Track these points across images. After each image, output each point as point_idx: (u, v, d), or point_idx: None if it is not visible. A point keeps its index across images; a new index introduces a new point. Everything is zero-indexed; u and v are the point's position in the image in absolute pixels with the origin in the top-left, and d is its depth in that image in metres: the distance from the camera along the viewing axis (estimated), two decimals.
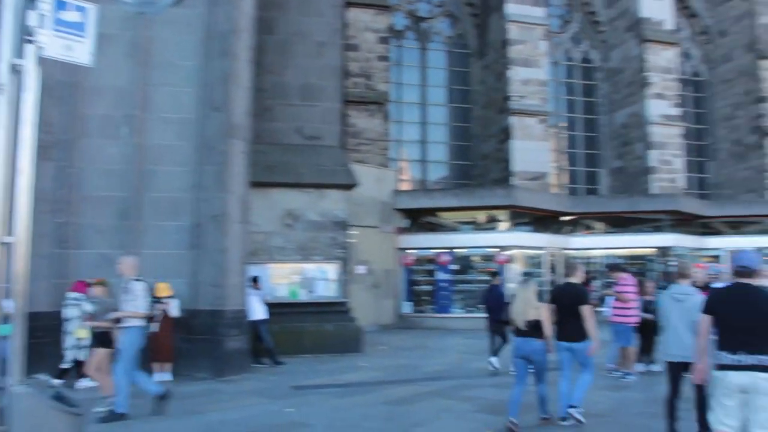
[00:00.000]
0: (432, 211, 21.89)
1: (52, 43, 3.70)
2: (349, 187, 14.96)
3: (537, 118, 25.59)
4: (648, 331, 11.18)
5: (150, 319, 8.20)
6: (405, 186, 26.64)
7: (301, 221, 14.37)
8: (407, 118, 28.52)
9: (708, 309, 5.06)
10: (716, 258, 23.75)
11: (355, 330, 14.38)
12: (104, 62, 10.54)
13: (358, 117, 23.87)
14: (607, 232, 24.42)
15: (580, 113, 30.77)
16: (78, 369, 9.75)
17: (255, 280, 12.90)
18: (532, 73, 25.70)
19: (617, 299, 11.15)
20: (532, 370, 7.42)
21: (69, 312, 9.81)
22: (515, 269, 20.09)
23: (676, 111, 28.33)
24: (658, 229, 23.51)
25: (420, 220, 21.81)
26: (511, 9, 25.73)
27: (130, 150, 11.24)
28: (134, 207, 11.20)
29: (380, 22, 25.04)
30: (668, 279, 20.51)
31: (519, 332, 7.41)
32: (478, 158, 28.18)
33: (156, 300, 10.54)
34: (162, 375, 10.69)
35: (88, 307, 9.20)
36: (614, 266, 16.33)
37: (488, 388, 9.89)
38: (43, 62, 3.71)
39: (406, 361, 13.08)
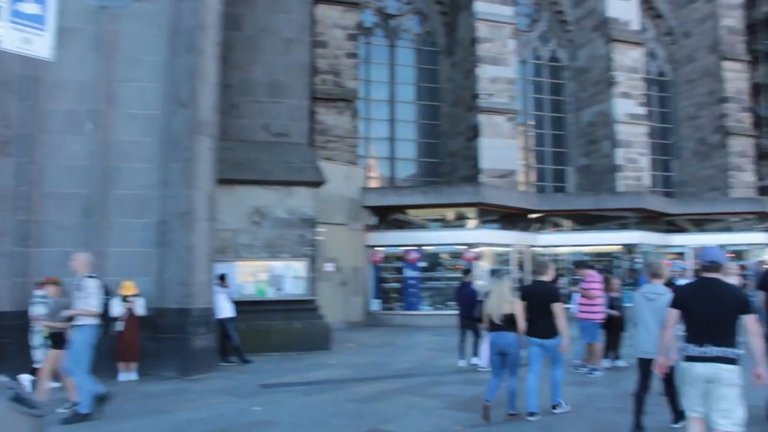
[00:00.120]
0: (400, 209, 21.90)
1: (10, 36, 3.60)
2: (317, 184, 14.90)
3: (505, 116, 25.71)
4: (614, 327, 11.34)
5: (104, 316, 7.95)
6: (373, 183, 26.61)
7: (268, 219, 14.28)
8: (376, 116, 28.45)
9: (676, 303, 5.21)
10: (680, 255, 24.18)
11: (324, 328, 14.33)
12: (67, 56, 10.40)
13: (327, 114, 23.77)
14: (574, 230, 24.65)
15: (548, 111, 31.01)
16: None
17: (222, 277, 12.79)
18: (501, 71, 25.82)
19: (583, 296, 11.27)
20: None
21: (36, 310, 9.62)
22: (483, 266, 20.22)
23: (641, 110, 28.70)
24: (624, 226, 23.82)
25: (388, 217, 21.80)
26: (479, 7, 25.81)
27: (94, 146, 11.07)
28: (99, 204, 11.03)
29: (349, 18, 24.95)
30: (634, 276, 20.90)
31: (493, 326, 7.56)
32: (447, 156, 28.25)
33: (122, 298, 10.44)
34: (128, 374, 10.58)
35: (41, 307, 9.02)
36: (581, 263, 16.56)
37: (457, 385, 9.93)
38: (1, 55, 3.62)
39: (374, 359, 13.07)
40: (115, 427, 7.49)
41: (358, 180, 21.36)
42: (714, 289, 4.96)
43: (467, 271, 13.34)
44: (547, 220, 24.66)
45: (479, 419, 7.34)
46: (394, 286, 21.28)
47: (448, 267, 20.98)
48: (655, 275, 7.20)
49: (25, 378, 8.68)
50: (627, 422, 6.83)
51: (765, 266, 16.63)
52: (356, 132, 25.37)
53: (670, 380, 6.56)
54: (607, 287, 11.47)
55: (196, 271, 11.24)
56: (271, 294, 14.28)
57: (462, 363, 11.67)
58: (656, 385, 6.92)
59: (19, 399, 3.71)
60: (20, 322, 9.69)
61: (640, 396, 6.79)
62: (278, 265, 14.36)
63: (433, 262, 21.14)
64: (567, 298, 15.48)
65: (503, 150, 25.49)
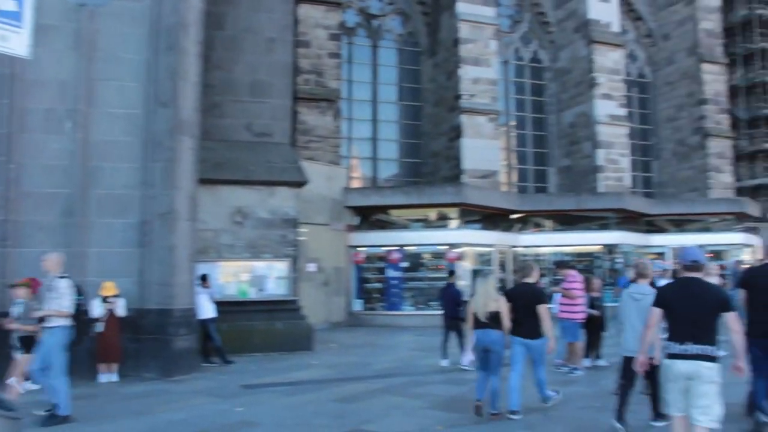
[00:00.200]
0: (382, 209, 21.91)
1: None
2: (299, 184, 14.86)
3: (487, 117, 25.83)
4: (594, 327, 11.40)
5: (78, 317, 7.83)
6: (355, 183, 26.61)
7: (250, 219, 14.22)
8: (358, 116, 28.45)
9: (658, 303, 5.30)
10: (660, 255, 24.38)
11: (306, 328, 14.30)
12: (46, 54, 10.31)
13: (309, 114, 23.72)
14: (555, 230, 24.80)
15: (530, 112, 31.17)
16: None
17: (204, 278, 12.73)
18: (483, 72, 25.94)
19: (564, 296, 11.33)
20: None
21: (17, 310, 9.49)
22: (465, 266, 20.29)
23: (622, 111, 28.96)
24: (604, 226, 24.00)
25: (370, 217, 21.80)
26: (462, 8, 25.93)
27: (74, 145, 10.94)
28: (79, 204, 10.91)
29: (331, 18, 24.92)
30: (615, 276, 21.05)
31: (479, 324, 7.63)
32: (429, 156, 28.31)
33: (102, 299, 10.35)
34: (109, 375, 10.49)
35: (13, 310, 8.90)
36: (562, 263, 16.66)
37: (439, 385, 9.95)
38: None
39: (356, 359, 13.06)
40: (95, 428, 7.42)
41: (340, 180, 21.33)
42: (695, 289, 5.08)
43: (452, 273, 13.41)
44: (529, 221, 24.79)
45: (461, 419, 7.38)
46: (377, 287, 21.27)
47: (430, 267, 21.00)
48: (642, 275, 7.35)
49: (14, 381, 8.57)
50: (608, 420, 6.90)
51: (743, 266, 16.83)
52: (339, 132, 25.34)
53: (653, 379, 6.63)
54: (588, 287, 11.53)
55: (178, 271, 11.17)
56: (253, 294, 14.23)
57: (444, 363, 11.69)
58: (638, 384, 7.01)
59: None
60: None
61: (626, 390, 6.90)
62: (260, 266, 14.30)
63: (415, 262, 21.15)
64: (548, 298, 15.65)
65: (485, 150, 25.60)
